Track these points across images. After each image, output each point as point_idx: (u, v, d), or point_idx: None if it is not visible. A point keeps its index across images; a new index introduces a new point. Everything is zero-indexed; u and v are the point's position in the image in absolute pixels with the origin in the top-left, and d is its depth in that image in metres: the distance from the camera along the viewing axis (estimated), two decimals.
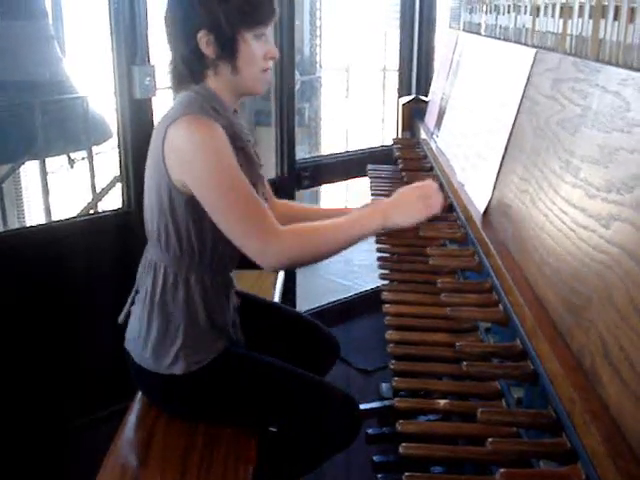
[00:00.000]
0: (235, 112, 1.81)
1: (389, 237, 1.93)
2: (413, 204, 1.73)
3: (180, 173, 1.61)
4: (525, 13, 1.93)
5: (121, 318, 1.88)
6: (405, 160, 2.55)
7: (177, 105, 1.68)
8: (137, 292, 1.84)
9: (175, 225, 1.69)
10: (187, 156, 1.59)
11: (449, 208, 2.00)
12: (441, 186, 2.17)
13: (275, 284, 2.65)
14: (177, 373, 1.73)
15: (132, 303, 1.86)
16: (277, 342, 2.01)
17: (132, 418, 1.84)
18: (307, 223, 1.73)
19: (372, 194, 2.31)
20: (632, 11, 1.27)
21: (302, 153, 4.62)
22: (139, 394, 1.92)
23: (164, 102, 1.82)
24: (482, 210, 1.73)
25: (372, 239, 1.95)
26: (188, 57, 1.67)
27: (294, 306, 3.44)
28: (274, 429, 1.87)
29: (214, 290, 1.78)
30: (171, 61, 1.73)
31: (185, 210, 1.66)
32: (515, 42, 2.01)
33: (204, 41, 1.63)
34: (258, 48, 1.68)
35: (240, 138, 1.72)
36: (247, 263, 1.78)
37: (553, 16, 1.70)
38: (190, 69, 1.69)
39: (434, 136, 2.58)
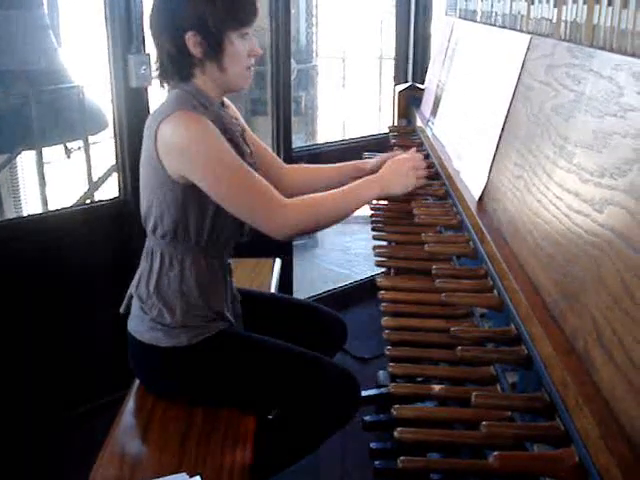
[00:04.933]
0: (222, 105, 1.89)
1: (385, 224, 1.95)
2: (405, 175, 1.90)
3: (177, 166, 1.68)
4: (520, 0, 1.93)
5: (122, 308, 1.92)
6: (401, 148, 2.55)
7: (169, 101, 1.75)
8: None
9: (171, 214, 1.74)
10: (185, 150, 1.66)
11: (445, 195, 2.01)
12: (427, 157, 2.20)
13: (272, 273, 2.64)
14: (177, 345, 1.78)
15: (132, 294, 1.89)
16: (283, 331, 2.02)
17: (130, 405, 1.85)
18: (310, 195, 1.85)
19: None
20: None
21: (299, 142, 4.60)
22: (136, 382, 1.93)
23: (160, 91, 1.84)
24: (477, 197, 1.74)
25: (368, 228, 1.97)
26: (175, 56, 1.73)
27: (291, 295, 3.44)
28: (272, 411, 1.89)
29: (210, 274, 1.82)
30: (158, 58, 1.78)
31: (182, 198, 1.72)
32: (510, 29, 2.01)
33: (192, 42, 1.70)
34: (243, 47, 1.74)
35: (227, 130, 1.79)
36: (244, 250, 1.80)
37: (548, 2, 1.70)
38: (177, 68, 1.75)
39: (430, 123, 2.58)
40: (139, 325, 1.83)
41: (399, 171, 1.90)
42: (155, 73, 1.82)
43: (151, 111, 2.53)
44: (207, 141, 1.67)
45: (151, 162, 1.72)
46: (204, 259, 1.80)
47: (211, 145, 1.67)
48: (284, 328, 2.03)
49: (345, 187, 1.88)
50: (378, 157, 2.13)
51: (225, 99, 1.92)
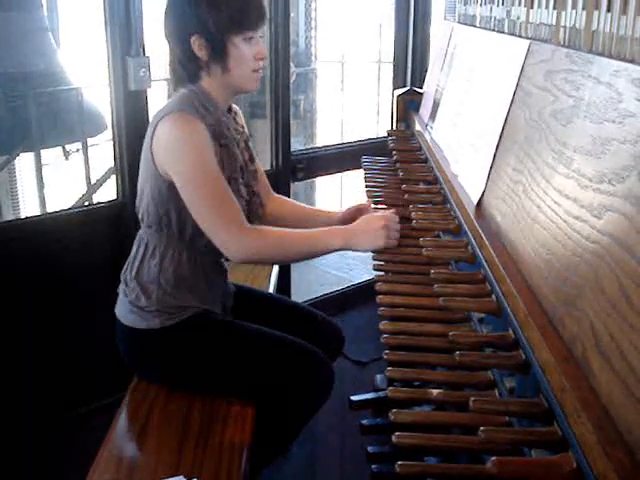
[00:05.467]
0: (230, 110, 1.94)
1: None
2: (377, 232, 1.81)
3: (163, 163, 1.76)
4: (519, 5, 1.94)
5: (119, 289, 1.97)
6: (399, 152, 2.56)
7: (173, 100, 1.81)
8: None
9: (156, 207, 1.81)
10: (171, 149, 1.74)
11: (443, 201, 2.01)
12: (425, 161, 2.18)
13: (270, 276, 2.65)
14: (152, 328, 1.84)
15: None
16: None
17: (127, 408, 1.85)
18: (275, 228, 1.87)
19: (366, 186, 2.31)
20: (625, 3, 1.27)
21: (297, 145, 4.60)
22: (133, 384, 1.94)
23: (159, 94, 1.86)
24: (475, 201, 1.74)
25: None
26: (183, 59, 1.81)
27: (289, 298, 3.43)
28: (251, 395, 1.91)
29: (191, 269, 1.87)
30: (170, 61, 1.86)
31: (166, 194, 1.79)
32: (509, 34, 2.01)
33: (196, 45, 1.77)
34: (248, 50, 1.80)
35: (225, 136, 1.84)
36: None
37: (547, 8, 1.70)
38: (186, 70, 1.82)
39: (429, 128, 2.59)
40: (121, 307, 1.91)
41: (369, 229, 1.83)
42: (169, 75, 1.90)
43: (150, 113, 2.57)
44: (194, 146, 1.73)
45: (146, 155, 1.79)
46: (186, 253, 1.86)
47: (197, 151, 1.73)
48: (277, 329, 2.04)
49: (311, 230, 1.91)
50: (349, 208, 2.10)
51: (234, 106, 1.98)
